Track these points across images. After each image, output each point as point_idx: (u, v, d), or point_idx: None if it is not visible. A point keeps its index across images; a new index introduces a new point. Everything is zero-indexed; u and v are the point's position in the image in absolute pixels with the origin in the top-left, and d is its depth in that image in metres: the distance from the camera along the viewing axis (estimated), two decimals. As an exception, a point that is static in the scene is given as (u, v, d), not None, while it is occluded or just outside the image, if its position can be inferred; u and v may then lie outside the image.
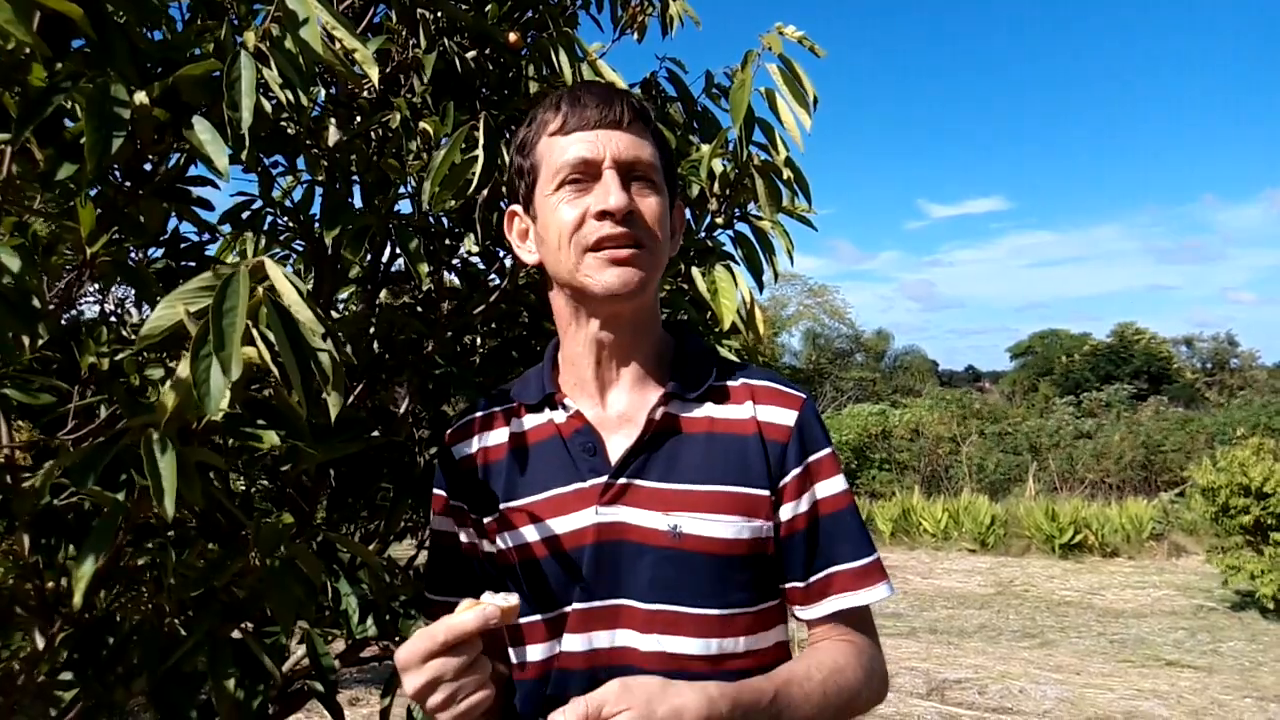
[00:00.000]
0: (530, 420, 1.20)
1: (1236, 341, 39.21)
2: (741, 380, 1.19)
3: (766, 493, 1.12)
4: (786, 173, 1.74)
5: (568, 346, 1.19)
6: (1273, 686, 6.15)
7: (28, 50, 1.06)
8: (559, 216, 1.11)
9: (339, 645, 1.68)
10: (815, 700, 1.04)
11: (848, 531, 1.15)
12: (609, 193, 1.08)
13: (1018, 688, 6.17)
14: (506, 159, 1.40)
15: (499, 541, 1.17)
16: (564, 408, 1.17)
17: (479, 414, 1.25)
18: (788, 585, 1.16)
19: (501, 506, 1.17)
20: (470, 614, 0.94)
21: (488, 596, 0.96)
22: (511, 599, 0.96)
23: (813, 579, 1.14)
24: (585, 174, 1.10)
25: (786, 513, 1.13)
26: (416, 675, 0.93)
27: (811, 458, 1.15)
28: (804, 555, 1.14)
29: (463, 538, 1.22)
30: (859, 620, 1.16)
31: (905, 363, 38.68)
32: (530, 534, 1.14)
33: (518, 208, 1.21)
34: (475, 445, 1.22)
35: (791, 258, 1.90)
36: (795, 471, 1.13)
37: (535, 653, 1.13)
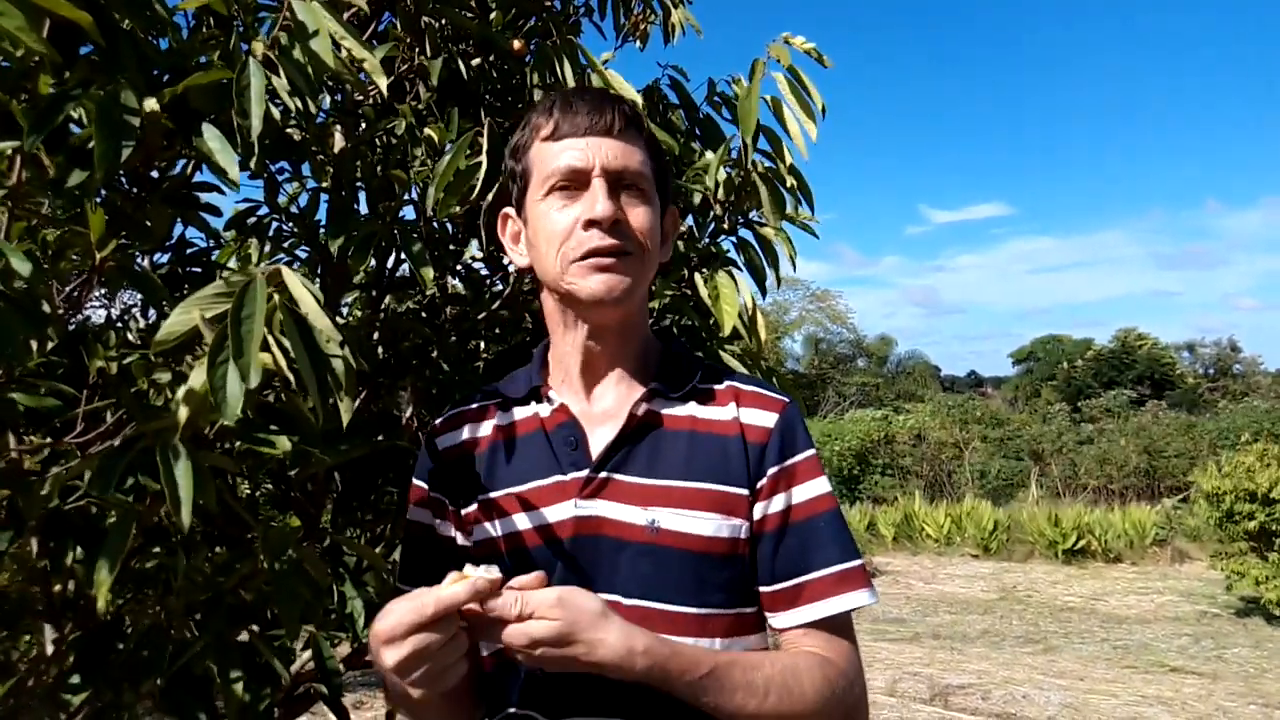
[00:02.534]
0: (515, 414, 1.21)
1: (1239, 347, 39.24)
2: (727, 384, 1.19)
3: (745, 492, 1.11)
4: (790, 180, 1.75)
5: (557, 347, 1.20)
6: (1277, 693, 6.14)
7: (37, 58, 1.07)
8: (548, 224, 1.11)
9: (344, 649, 1.69)
10: (756, 690, 1.00)
11: (825, 537, 1.12)
12: (596, 201, 1.09)
13: (1021, 693, 6.16)
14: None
15: (476, 532, 1.17)
16: (549, 400, 1.18)
17: (464, 409, 1.25)
18: (760, 589, 1.13)
19: (480, 498, 1.17)
20: (460, 586, 0.91)
21: (470, 569, 0.94)
22: (494, 571, 0.94)
23: (784, 584, 1.11)
24: (574, 181, 1.11)
25: (758, 512, 1.12)
26: (398, 649, 0.91)
27: (790, 460, 1.14)
28: (772, 557, 1.12)
29: (440, 529, 1.21)
30: (836, 631, 1.11)
31: (908, 368, 38.73)
32: (508, 525, 1.14)
33: (510, 211, 1.22)
34: (458, 438, 1.22)
35: (794, 263, 1.91)
36: (771, 472, 1.13)
37: None
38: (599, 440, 1.14)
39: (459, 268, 1.80)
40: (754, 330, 1.76)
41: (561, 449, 1.14)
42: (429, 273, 1.39)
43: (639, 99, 1.69)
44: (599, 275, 1.09)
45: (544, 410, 1.18)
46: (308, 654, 1.53)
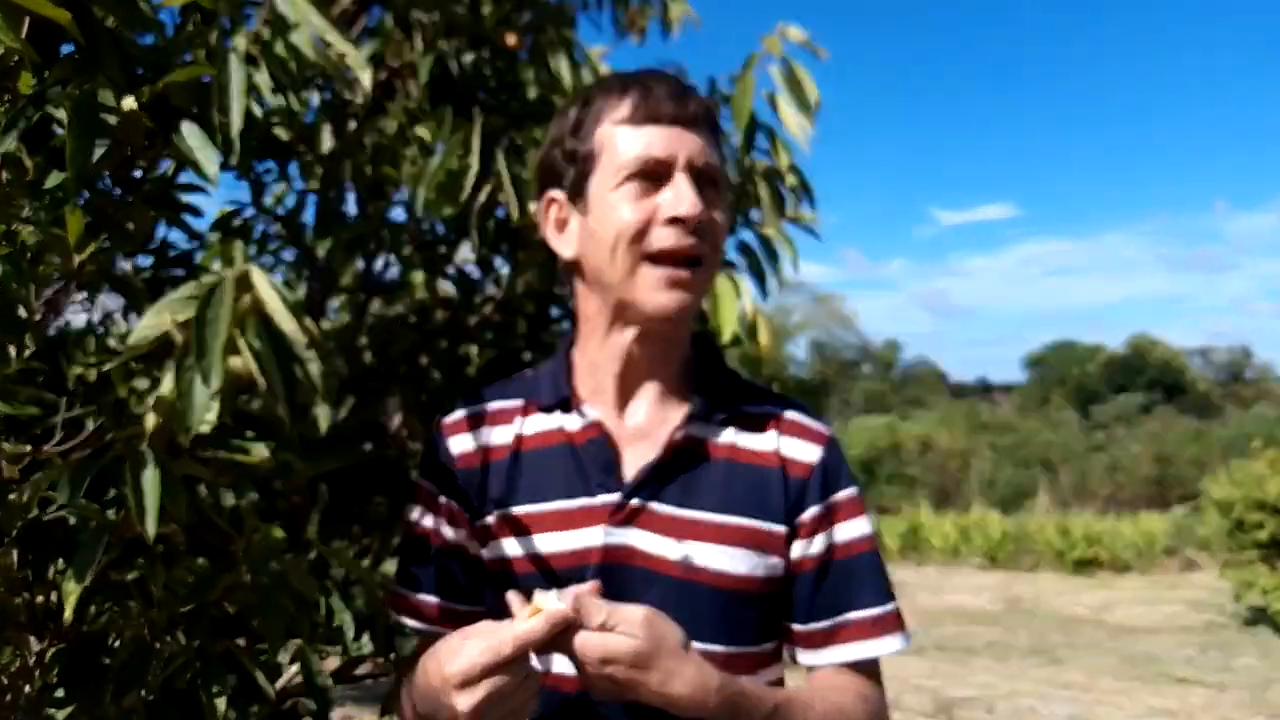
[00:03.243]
0: (538, 422, 1.12)
1: (1251, 352, 39.13)
2: (767, 408, 1.12)
3: (783, 529, 1.06)
4: (790, 178, 1.72)
5: (591, 350, 1.12)
6: (1288, 704, 6.07)
7: (16, 57, 1.04)
8: (620, 215, 1.03)
9: (333, 663, 1.65)
10: None
11: (865, 578, 1.08)
12: (683, 198, 1.01)
13: (1027, 706, 6.10)
14: (503, 165, 1.37)
15: (492, 549, 1.10)
16: (581, 414, 1.09)
17: (480, 407, 1.16)
18: (793, 626, 1.09)
19: (498, 512, 1.09)
20: (537, 621, 0.86)
21: (540, 597, 0.89)
22: (567, 599, 0.89)
23: (820, 624, 1.07)
24: (654, 173, 1.03)
25: (797, 550, 1.07)
26: (472, 693, 0.86)
27: (834, 497, 1.09)
28: (809, 597, 1.07)
29: (450, 537, 1.13)
30: (865, 673, 1.09)
31: (915, 374, 38.67)
32: (529, 546, 1.07)
33: (559, 195, 1.11)
34: (475, 442, 1.13)
35: (795, 265, 1.87)
36: (814, 510, 1.07)
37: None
38: (631, 462, 1.07)
39: (449, 270, 1.77)
40: (755, 336, 1.73)
41: (591, 468, 1.07)
42: (418, 277, 1.36)
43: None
44: (671, 291, 1.02)
45: (571, 423, 1.10)
46: (295, 667, 1.50)
